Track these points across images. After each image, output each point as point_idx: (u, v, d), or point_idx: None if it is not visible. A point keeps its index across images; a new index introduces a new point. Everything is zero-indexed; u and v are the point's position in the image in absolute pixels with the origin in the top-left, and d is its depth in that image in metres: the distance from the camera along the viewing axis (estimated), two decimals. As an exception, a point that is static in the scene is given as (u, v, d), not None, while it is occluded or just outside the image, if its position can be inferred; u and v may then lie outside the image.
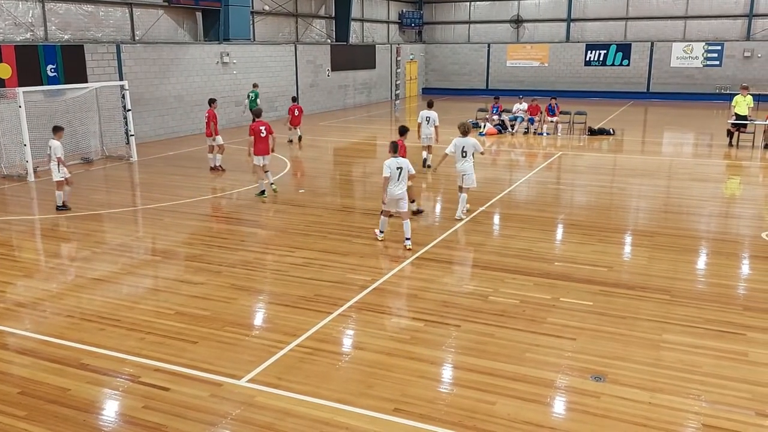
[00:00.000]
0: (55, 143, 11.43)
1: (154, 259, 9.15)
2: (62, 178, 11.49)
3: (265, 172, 12.64)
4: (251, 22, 24.42)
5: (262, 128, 12.37)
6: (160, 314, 7.16)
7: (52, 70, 17.13)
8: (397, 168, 9.18)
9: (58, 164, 11.42)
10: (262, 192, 12.66)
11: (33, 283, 8.23)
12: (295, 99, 20.84)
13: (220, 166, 15.37)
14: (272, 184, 12.85)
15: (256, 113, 13.19)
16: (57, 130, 11.60)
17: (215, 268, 8.63)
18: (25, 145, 14.32)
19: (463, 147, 10.54)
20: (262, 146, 12.36)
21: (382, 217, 9.76)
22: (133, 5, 19.88)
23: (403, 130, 10.71)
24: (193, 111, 22.02)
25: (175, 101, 21.29)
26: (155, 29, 20.76)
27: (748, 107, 18.38)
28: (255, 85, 22.25)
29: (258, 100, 21.65)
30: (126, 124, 17.45)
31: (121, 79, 18.69)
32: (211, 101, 15.71)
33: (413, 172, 9.45)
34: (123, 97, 17.18)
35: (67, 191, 11.62)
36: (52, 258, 9.32)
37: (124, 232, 10.58)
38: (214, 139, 15.18)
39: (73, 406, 5.34)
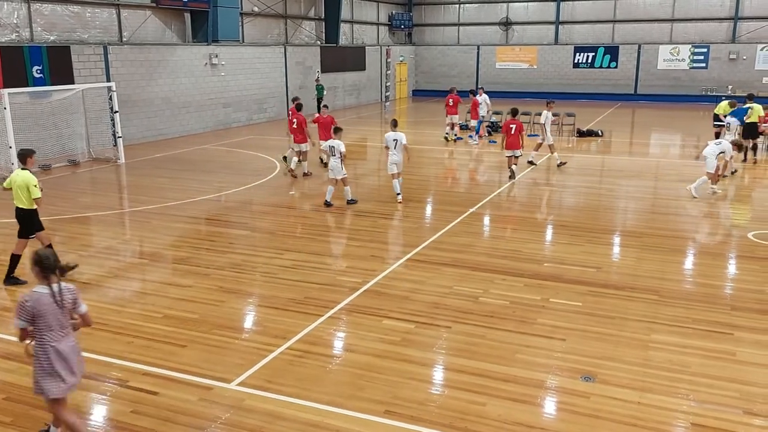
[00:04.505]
0: (337, 142, 12.02)
1: (142, 262, 9.07)
2: (345, 175, 12.15)
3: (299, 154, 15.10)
4: (240, 24, 24.32)
5: (295, 120, 14.67)
6: (147, 318, 7.10)
7: (38, 72, 16.96)
8: (393, 140, 12.08)
9: (342, 161, 11.97)
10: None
11: (19, 287, 8.11)
12: (327, 106, 16.66)
13: (302, 172, 14.88)
14: (284, 157, 15.81)
15: (298, 106, 15.09)
16: (337, 131, 12.44)
17: (203, 271, 8.57)
18: (10, 147, 14.15)
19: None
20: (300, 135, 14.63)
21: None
22: (120, 6, 19.73)
23: (515, 112, 14.72)
24: (181, 113, 21.91)
25: (163, 103, 21.15)
26: (143, 30, 20.62)
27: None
28: (317, 80, 27.64)
29: (324, 92, 26.95)
30: (113, 126, 17.30)
31: (108, 80, 18.53)
32: (296, 100, 15.17)
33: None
34: (110, 98, 17.04)
35: (330, 191, 12.06)
36: (38, 261, 9.20)
37: (111, 235, 10.49)
38: (299, 146, 14.63)
39: (59, 411, 5.27)
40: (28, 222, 7.96)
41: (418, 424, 5.05)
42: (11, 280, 8.07)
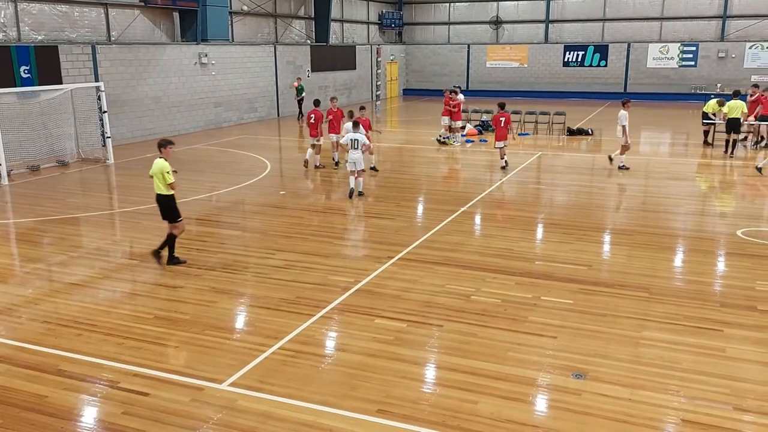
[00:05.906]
0: (360, 135, 12.64)
1: (132, 263, 9.02)
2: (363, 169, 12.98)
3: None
4: (229, 23, 24.22)
5: (312, 115, 15.49)
6: (138, 318, 7.06)
7: (26, 72, 16.82)
8: (353, 140, 12.68)
9: (363, 154, 12.82)
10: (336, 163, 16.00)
11: (8, 288, 8.06)
12: (334, 98, 16.68)
13: (314, 164, 15.86)
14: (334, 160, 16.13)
15: (315, 103, 16.16)
16: (356, 125, 12.96)
17: (195, 271, 8.53)
18: None
19: None
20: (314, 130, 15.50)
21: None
22: (108, 5, 19.60)
23: (502, 105, 15.64)
24: (171, 112, 21.79)
25: (153, 102, 21.04)
26: (131, 30, 20.49)
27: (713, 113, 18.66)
28: (299, 79, 27.14)
29: (303, 93, 26.59)
30: (102, 126, 17.19)
31: (96, 80, 18.40)
32: (317, 102, 16.25)
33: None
34: (99, 98, 16.93)
35: (360, 182, 12.87)
36: (27, 263, 9.14)
37: (100, 236, 10.42)
38: (317, 140, 15.58)
39: (50, 413, 5.24)
40: (168, 207, 8.61)
41: (410, 422, 5.05)
42: (173, 260, 8.75)
